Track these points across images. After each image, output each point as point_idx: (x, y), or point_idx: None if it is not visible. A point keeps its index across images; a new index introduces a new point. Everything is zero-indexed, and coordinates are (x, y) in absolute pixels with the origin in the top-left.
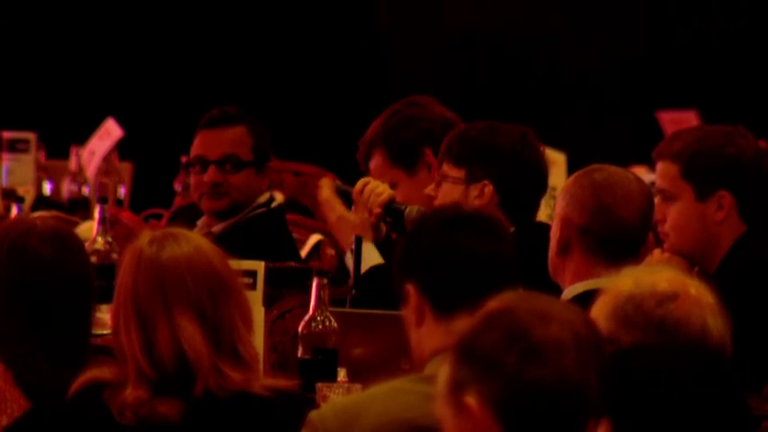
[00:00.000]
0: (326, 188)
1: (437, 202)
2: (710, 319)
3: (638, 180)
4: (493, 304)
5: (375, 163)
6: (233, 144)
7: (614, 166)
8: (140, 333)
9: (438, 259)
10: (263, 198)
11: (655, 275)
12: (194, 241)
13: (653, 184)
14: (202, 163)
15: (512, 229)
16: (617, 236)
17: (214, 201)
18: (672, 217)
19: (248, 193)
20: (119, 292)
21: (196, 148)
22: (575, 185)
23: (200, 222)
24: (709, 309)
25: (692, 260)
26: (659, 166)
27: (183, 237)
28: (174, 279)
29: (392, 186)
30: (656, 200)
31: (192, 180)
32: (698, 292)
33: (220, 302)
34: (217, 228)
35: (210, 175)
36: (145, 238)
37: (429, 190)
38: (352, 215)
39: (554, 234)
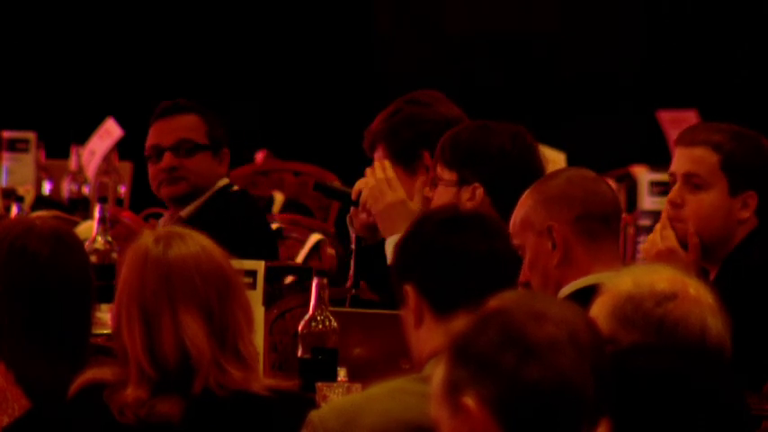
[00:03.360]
0: (390, 168)
1: (432, 205)
2: (710, 318)
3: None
4: (488, 304)
5: (378, 156)
6: (186, 129)
7: (556, 170)
8: (143, 331)
9: (436, 260)
10: (223, 182)
11: (654, 275)
12: (200, 241)
13: (653, 183)
14: (158, 151)
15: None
16: (611, 208)
17: (172, 186)
18: (698, 204)
19: (205, 176)
20: (122, 290)
21: (150, 138)
22: (542, 193)
23: (166, 214)
24: (708, 308)
25: (705, 251)
26: (693, 151)
27: (188, 236)
28: (183, 278)
29: None
30: (677, 184)
31: (150, 171)
32: (697, 292)
33: (227, 302)
34: (184, 212)
35: (166, 160)
36: (149, 237)
37: (425, 192)
38: (411, 204)
39: (545, 251)
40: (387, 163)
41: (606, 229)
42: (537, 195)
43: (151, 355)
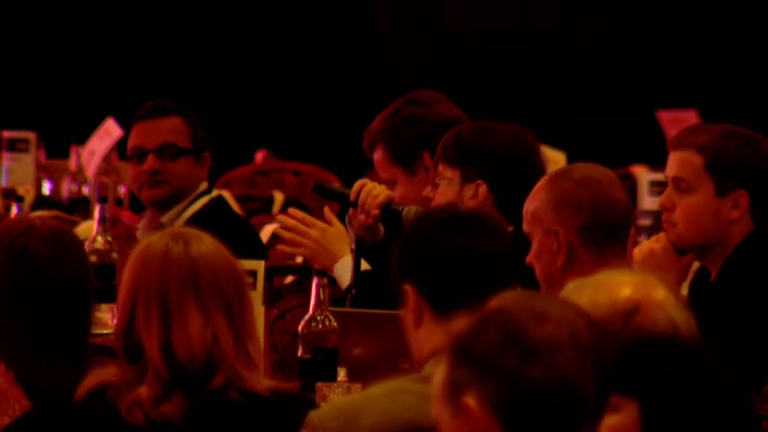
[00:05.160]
0: (295, 211)
1: (434, 204)
2: (676, 315)
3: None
4: (489, 304)
5: (377, 157)
6: (170, 133)
7: (574, 163)
8: (161, 328)
9: (436, 259)
10: (203, 187)
11: (607, 288)
12: (212, 240)
13: (653, 183)
14: (140, 153)
15: (510, 228)
16: (620, 218)
17: (154, 189)
18: (685, 207)
19: (187, 181)
20: (136, 288)
21: (133, 139)
22: (553, 193)
23: (144, 219)
24: (671, 305)
25: (698, 253)
26: (679, 154)
27: (202, 236)
28: (208, 275)
29: (392, 183)
30: (668, 188)
31: (131, 172)
32: (657, 292)
33: (243, 301)
34: (165, 218)
35: (149, 163)
36: (165, 235)
37: (426, 192)
38: (331, 228)
39: (550, 249)
40: (290, 210)
41: (614, 237)
42: (549, 193)
43: (167, 352)
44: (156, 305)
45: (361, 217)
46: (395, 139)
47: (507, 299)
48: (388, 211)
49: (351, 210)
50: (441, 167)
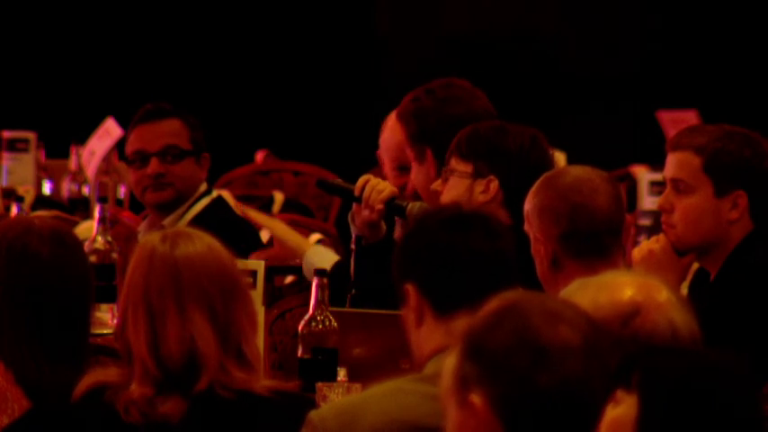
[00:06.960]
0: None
1: (443, 197)
2: (676, 317)
3: (597, 169)
4: (502, 300)
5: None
6: (171, 135)
7: (570, 166)
8: (148, 329)
9: (437, 259)
10: (203, 188)
11: (609, 289)
12: (207, 240)
13: (653, 183)
14: (143, 156)
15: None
16: (601, 228)
17: (158, 192)
18: (684, 209)
19: (190, 182)
20: (128, 288)
21: (133, 143)
22: (538, 199)
23: (145, 222)
24: (672, 308)
25: (698, 254)
26: (677, 155)
27: (195, 236)
28: (190, 276)
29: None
30: (666, 189)
31: (133, 176)
32: (659, 294)
33: (231, 302)
34: (167, 221)
35: (153, 166)
36: (156, 236)
37: (435, 185)
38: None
39: (538, 253)
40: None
41: (596, 247)
42: (535, 199)
43: (155, 354)
44: (142, 307)
45: (365, 212)
46: (408, 125)
47: (517, 296)
48: (393, 206)
49: (354, 205)
50: (453, 161)
